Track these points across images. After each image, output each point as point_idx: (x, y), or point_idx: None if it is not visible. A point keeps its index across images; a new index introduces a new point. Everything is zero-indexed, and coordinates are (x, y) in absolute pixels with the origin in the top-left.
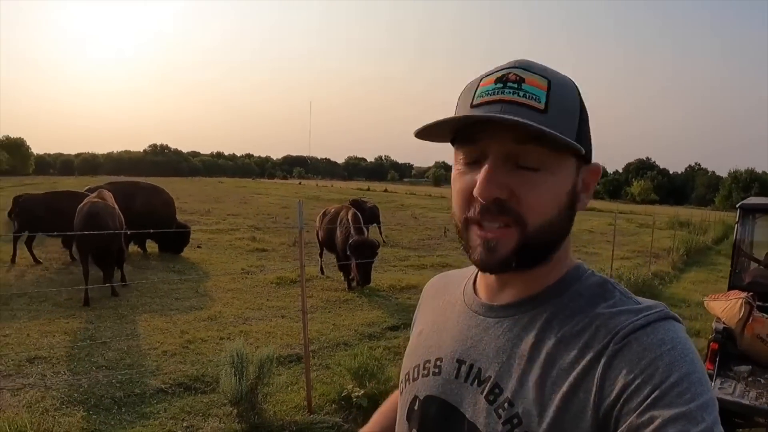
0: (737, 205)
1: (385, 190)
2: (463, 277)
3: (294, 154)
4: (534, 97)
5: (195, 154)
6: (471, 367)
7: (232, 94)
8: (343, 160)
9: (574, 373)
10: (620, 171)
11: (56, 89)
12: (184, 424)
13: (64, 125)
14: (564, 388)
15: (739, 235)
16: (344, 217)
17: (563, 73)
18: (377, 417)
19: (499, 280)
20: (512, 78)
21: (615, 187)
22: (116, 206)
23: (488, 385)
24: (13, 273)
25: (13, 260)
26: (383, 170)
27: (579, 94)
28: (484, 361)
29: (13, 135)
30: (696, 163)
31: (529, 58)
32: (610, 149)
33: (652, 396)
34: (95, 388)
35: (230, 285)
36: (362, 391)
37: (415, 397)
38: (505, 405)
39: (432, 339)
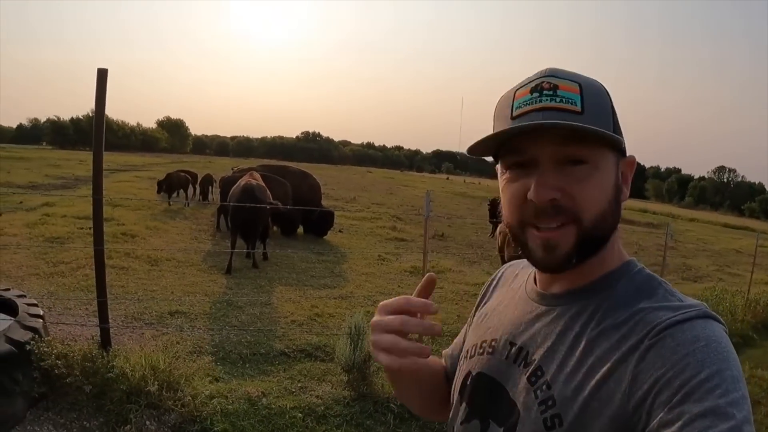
0: None
1: None
2: (530, 267)
3: (443, 149)
4: (570, 101)
5: (346, 143)
6: (520, 349)
7: (387, 87)
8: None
9: (609, 363)
10: None
11: (216, 74)
12: (299, 385)
13: (222, 109)
14: (597, 376)
15: None
16: None
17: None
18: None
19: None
20: (546, 86)
21: None
22: (266, 187)
23: (532, 367)
24: (163, 239)
25: (218, 227)
26: None
27: (607, 93)
28: (532, 345)
29: (174, 116)
30: None
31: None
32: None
33: (682, 391)
34: (225, 343)
35: (365, 269)
36: None
37: (469, 373)
38: (544, 387)
39: (492, 321)
